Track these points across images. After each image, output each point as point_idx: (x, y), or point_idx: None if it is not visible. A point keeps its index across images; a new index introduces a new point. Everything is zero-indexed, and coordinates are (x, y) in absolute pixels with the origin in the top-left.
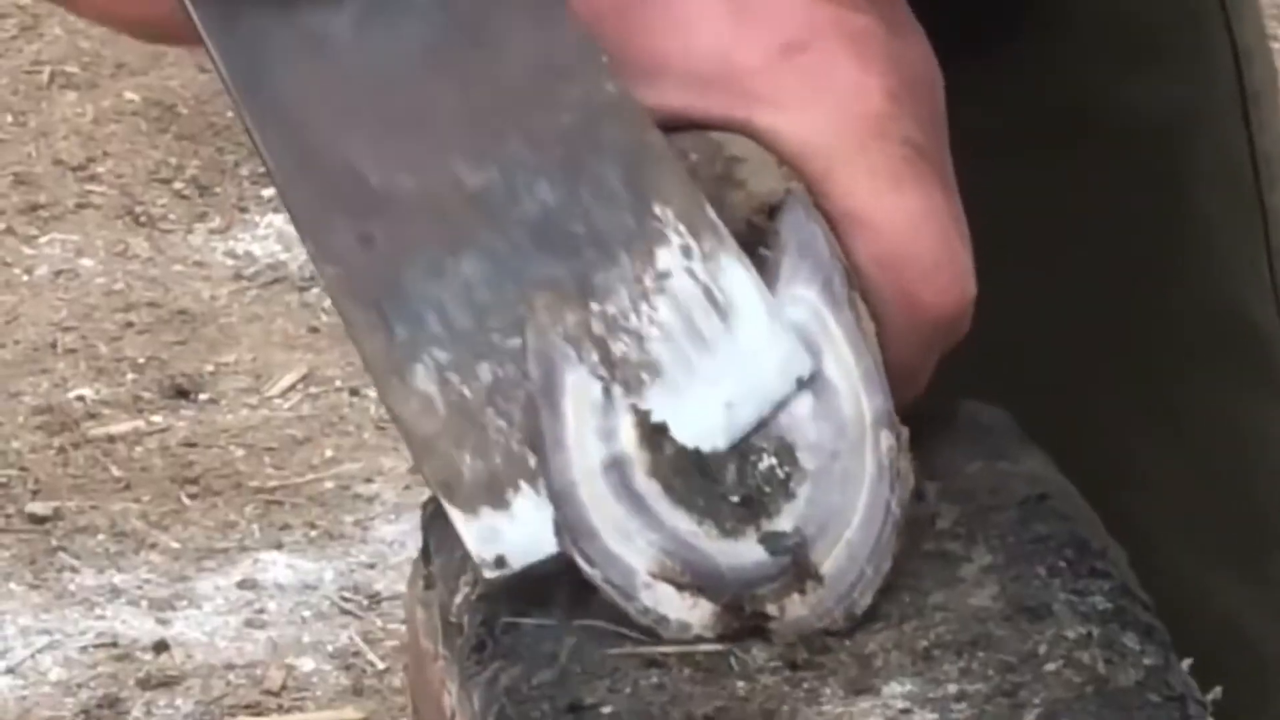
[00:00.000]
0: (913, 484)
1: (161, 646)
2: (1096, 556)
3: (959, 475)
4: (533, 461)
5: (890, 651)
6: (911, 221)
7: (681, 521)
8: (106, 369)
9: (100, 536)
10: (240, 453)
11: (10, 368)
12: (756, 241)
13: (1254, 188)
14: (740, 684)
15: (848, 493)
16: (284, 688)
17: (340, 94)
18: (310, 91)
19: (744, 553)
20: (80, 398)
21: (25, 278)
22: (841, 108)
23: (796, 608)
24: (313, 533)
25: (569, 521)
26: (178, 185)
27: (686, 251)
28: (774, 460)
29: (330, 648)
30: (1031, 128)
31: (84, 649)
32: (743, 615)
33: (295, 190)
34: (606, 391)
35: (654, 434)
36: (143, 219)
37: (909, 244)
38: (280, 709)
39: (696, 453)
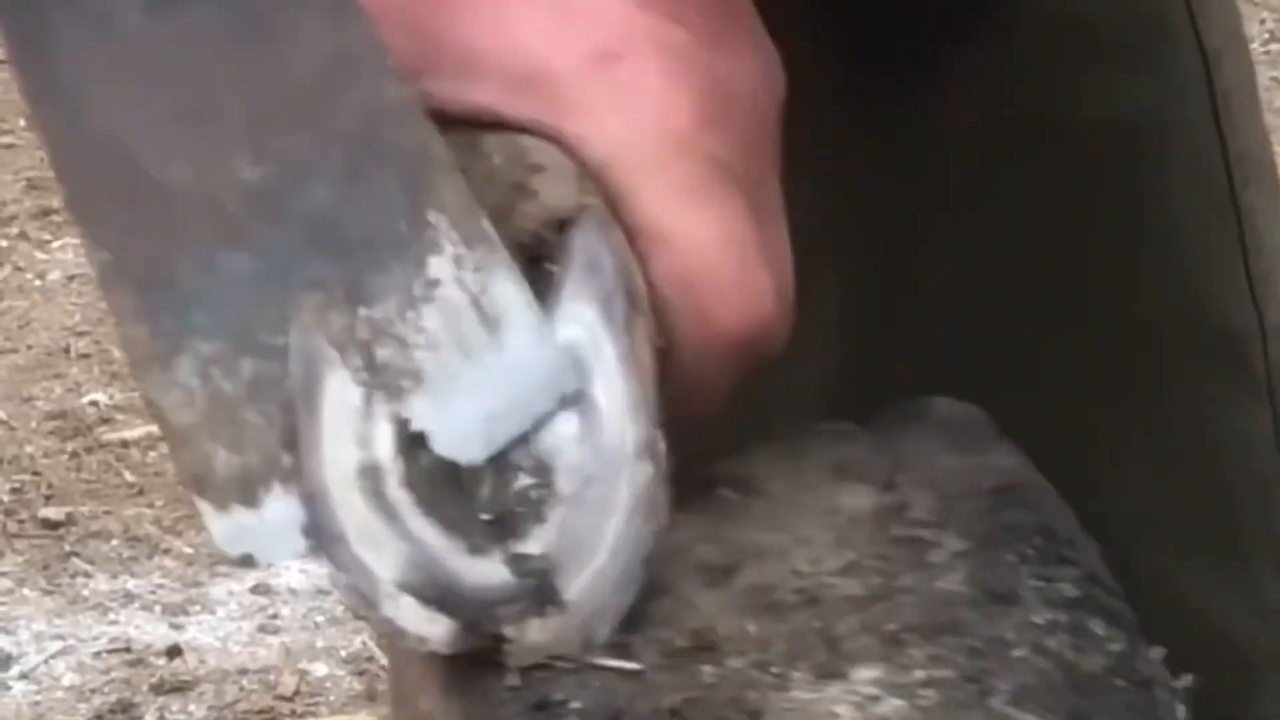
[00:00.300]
0: (665, 519)
1: (175, 651)
2: (1065, 545)
3: (930, 467)
4: (287, 461)
5: (859, 635)
6: (708, 240)
7: (430, 534)
8: (120, 374)
9: (114, 542)
10: None
11: (23, 373)
12: (544, 255)
13: (1227, 189)
14: (709, 670)
15: (600, 520)
16: (297, 693)
17: (123, 76)
18: (93, 71)
19: (489, 572)
20: (94, 403)
21: (38, 283)
22: (647, 121)
23: (535, 632)
24: None
25: (319, 524)
26: None
27: (458, 261)
28: (530, 480)
29: (344, 653)
30: (1000, 134)
31: (97, 654)
32: (480, 634)
33: (69, 172)
34: (367, 397)
35: (411, 443)
36: None
37: (704, 263)
38: (293, 714)
39: (453, 465)
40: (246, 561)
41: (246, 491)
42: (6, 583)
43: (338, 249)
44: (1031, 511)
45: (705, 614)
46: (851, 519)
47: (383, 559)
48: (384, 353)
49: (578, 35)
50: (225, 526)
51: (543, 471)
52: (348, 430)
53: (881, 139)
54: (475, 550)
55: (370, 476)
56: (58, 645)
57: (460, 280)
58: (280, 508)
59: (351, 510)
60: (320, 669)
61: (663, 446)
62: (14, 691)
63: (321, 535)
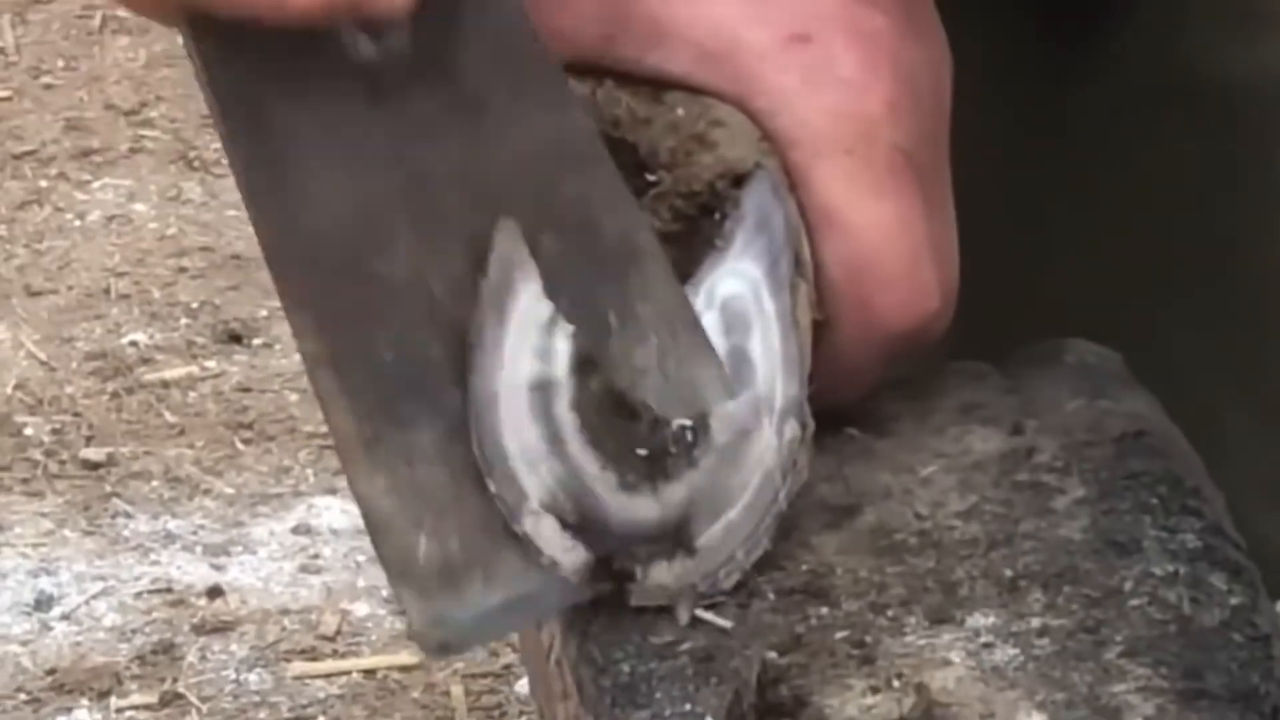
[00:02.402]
0: (805, 479)
1: (216, 592)
2: (1190, 495)
3: (1060, 412)
4: (489, 549)
5: (976, 579)
6: (881, 230)
7: (587, 460)
8: (160, 314)
9: (154, 482)
10: (294, 397)
11: (64, 313)
12: (715, 207)
13: None
14: (824, 611)
15: (744, 473)
16: (339, 633)
17: (344, 165)
18: (313, 161)
19: (637, 509)
20: (134, 343)
21: (78, 223)
22: (836, 105)
23: (661, 574)
24: None
25: (480, 429)
26: None
27: (662, 350)
28: (688, 423)
29: (385, 592)
30: (1140, 96)
31: (138, 595)
32: (610, 571)
33: (281, 259)
34: (554, 315)
35: (584, 364)
36: (195, 163)
37: (874, 251)
38: (335, 654)
39: (620, 395)
40: (444, 649)
41: (448, 579)
42: (47, 524)
43: None
44: (1157, 459)
45: (824, 555)
46: (976, 462)
47: (535, 475)
48: None
49: (774, 13)
50: (426, 614)
51: (701, 416)
52: (529, 340)
53: (1036, 95)
54: (626, 486)
55: (541, 391)
56: (99, 586)
57: (664, 369)
58: (479, 596)
59: (515, 421)
60: (362, 609)
61: (809, 412)
62: (55, 632)
63: (480, 439)
